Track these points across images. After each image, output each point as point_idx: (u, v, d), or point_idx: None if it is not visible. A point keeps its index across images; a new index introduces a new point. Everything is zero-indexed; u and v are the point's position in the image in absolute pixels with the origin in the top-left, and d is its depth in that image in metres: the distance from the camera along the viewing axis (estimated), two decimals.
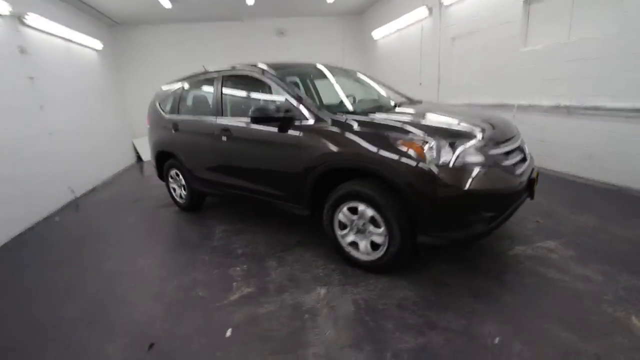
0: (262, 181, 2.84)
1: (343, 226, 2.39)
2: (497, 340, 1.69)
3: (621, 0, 3.29)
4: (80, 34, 5.88)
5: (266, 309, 2.08)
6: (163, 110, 3.96)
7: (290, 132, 2.49)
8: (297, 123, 2.47)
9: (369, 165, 2.08)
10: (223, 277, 2.50)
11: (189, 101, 3.68)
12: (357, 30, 9.26)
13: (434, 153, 1.91)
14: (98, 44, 6.72)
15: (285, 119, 2.50)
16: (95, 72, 6.78)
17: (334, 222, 2.41)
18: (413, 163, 1.92)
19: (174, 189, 4.07)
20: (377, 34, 8.28)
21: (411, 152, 1.94)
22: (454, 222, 1.93)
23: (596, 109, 3.63)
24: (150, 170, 6.93)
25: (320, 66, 3.19)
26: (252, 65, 2.96)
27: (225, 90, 3.15)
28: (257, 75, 2.85)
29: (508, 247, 2.55)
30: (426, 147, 1.92)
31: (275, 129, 2.59)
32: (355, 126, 2.20)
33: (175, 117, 3.72)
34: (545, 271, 2.22)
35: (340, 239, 2.43)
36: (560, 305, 1.91)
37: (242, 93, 3.18)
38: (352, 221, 2.32)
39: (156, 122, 4.04)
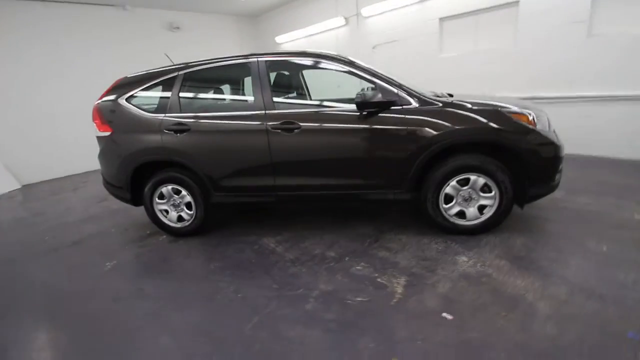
0: (351, 173, 2.67)
1: (448, 200, 2.61)
2: (605, 247, 2.36)
3: (514, 24, 4.82)
4: None
5: (444, 287, 2.09)
6: (144, 110, 2.97)
7: (384, 116, 2.51)
8: (397, 108, 2.51)
9: (493, 137, 2.40)
10: (357, 278, 2.26)
11: (203, 94, 2.92)
12: (257, 32, 9.13)
13: (537, 122, 2.43)
14: None
15: (387, 104, 2.49)
16: None
17: (439, 198, 2.60)
18: (529, 131, 2.39)
19: (165, 212, 3.11)
20: (282, 38, 8.45)
21: (524, 122, 2.40)
22: (552, 173, 2.50)
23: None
24: (37, 205, 4.82)
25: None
26: (316, 52, 2.78)
27: (276, 79, 2.74)
28: (332, 63, 2.68)
29: None
30: (530, 117, 2.43)
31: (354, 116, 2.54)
32: (468, 106, 2.47)
33: (176, 116, 2.87)
34: (572, 205, 3.08)
35: (444, 212, 2.64)
36: (601, 220, 2.76)
37: (302, 81, 2.84)
38: (458, 192, 2.58)
39: (130, 126, 2.98)
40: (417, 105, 2.51)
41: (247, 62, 2.80)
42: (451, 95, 3.16)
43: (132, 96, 3.03)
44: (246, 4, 7.70)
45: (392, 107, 2.51)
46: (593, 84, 4.29)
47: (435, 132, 2.45)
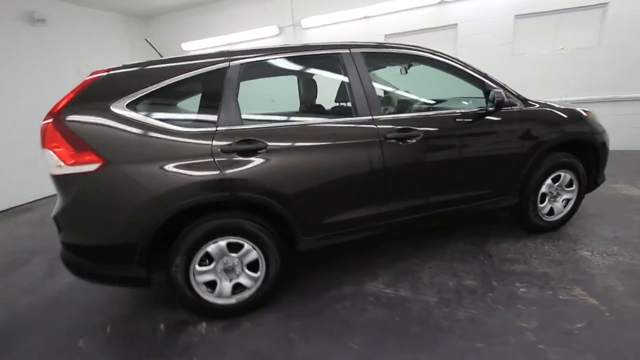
0: (474, 183, 2.35)
1: (542, 200, 2.61)
2: None
3: (454, 43, 5.51)
4: None
5: (621, 285, 2.02)
6: (169, 123, 1.77)
7: (503, 118, 2.34)
8: (508, 109, 2.35)
9: (587, 134, 2.55)
10: (541, 302, 1.94)
11: (274, 96, 1.94)
12: (154, 36, 7.39)
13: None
14: None
15: (510, 105, 2.31)
16: None
17: (537, 197, 2.57)
18: (600, 127, 2.65)
19: (206, 285, 1.94)
20: (191, 46, 7.15)
21: (595, 119, 2.65)
22: (606, 164, 2.84)
23: None
24: None
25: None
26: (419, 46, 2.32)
27: (376, 77, 2.12)
28: (442, 59, 2.27)
29: None
30: (595, 115, 2.71)
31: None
32: (559, 107, 2.54)
33: (238, 130, 1.83)
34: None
35: (539, 212, 2.63)
36: (616, 199, 3.29)
37: (409, 80, 2.26)
38: (549, 190, 2.62)
39: (149, 151, 1.73)
40: (522, 106, 2.43)
41: (336, 54, 2.08)
42: None
43: (137, 102, 1.78)
44: (138, 1, 6.13)
45: (504, 109, 2.35)
46: None
47: (544, 132, 2.43)
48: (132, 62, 1.89)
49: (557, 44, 5.01)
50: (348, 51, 2.10)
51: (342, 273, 2.43)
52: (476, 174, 2.38)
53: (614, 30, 4.62)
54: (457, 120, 2.25)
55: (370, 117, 2.06)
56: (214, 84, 1.88)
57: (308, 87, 2.36)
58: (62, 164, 1.69)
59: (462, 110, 2.28)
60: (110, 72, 1.82)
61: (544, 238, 2.66)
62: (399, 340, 1.76)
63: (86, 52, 6.08)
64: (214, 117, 1.85)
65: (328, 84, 2.66)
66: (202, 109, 1.91)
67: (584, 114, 2.62)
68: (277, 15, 6.36)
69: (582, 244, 2.53)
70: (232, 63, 1.91)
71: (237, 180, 1.82)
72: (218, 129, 1.83)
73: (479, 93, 2.47)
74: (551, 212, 2.68)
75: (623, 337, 1.65)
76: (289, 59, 2.07)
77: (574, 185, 2.67)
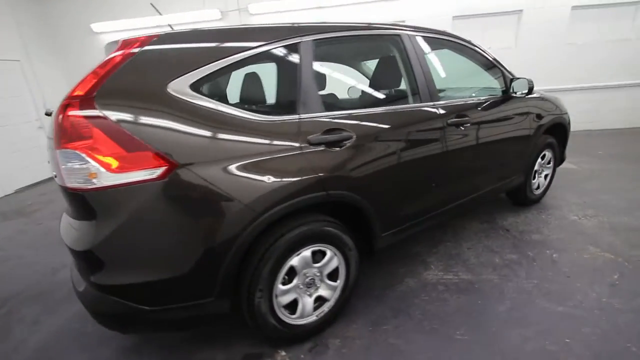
0: (499, 167, 2.55)
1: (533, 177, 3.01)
2: (597, 184, 3.54)
3: None
4: None
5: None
6: (244, 110, 1.40)
7: (521, 102, 2.61)
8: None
9: (563, 116, 2.99)
10: (572, 265, 2.23)
11: (350, 79, 1.68)
12: (55, 18, 5.77)
13: None
14: None
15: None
16: None
17: (531, 176, 2.95)
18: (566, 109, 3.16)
19: (288, 308, 1.63)
20: (104, 27, 5.87)
21: (562, 102, 3.15)
22: None
23: None
24: None
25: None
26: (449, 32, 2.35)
27: (427, 61, 2.04)
28: (477, 49, 2.42)
29: None
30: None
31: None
32: (545, 94, 2.92)
33: (323, 118, 1.55)
34: None
35: (531, 187, 3.02)
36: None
37: (449, 65, 2.21)
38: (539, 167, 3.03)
39: (225, 147, 1.33)
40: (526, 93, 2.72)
41: (397, 35, 1.94)
42: None
43: (201, 83, 1.34)
44: None
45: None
46: None
47: (544, 115, 2.78)
48: (175, 30, 1.41)
49: (486, 44, 5.80)
50: (406, 33, 2.00)
51: (385, 267, 2.35)
52: (507, 155, 2.60)
53: (527, 33, 5.61)
54: (494, 105, 2.40)
55: (432, 103, 2.02)
56: (288, 63, 1.56)
57: (379, 70, 2.16)
58: (102, 170, 1.16)
59: (497, 96, 2.45)
60: (149, 46, 1.31)
61: (536, 209, 3.07)
62: (496, 320, 1.80)
63: None
64: (292, 103, 1.54)
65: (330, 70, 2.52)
66: (278, 92, 1.56)
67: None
68: None
69: (566, 210, 3.02)
70: (303, 39, 1.60)
71: (329, 178, 1.55)
72: (301, 116, 1.52)
73: (483, 81, 2.70)
74: (537, 186, 3.12)
75: None
76: (356, 37, 1.85)
77: (551, 162, 3.15)
